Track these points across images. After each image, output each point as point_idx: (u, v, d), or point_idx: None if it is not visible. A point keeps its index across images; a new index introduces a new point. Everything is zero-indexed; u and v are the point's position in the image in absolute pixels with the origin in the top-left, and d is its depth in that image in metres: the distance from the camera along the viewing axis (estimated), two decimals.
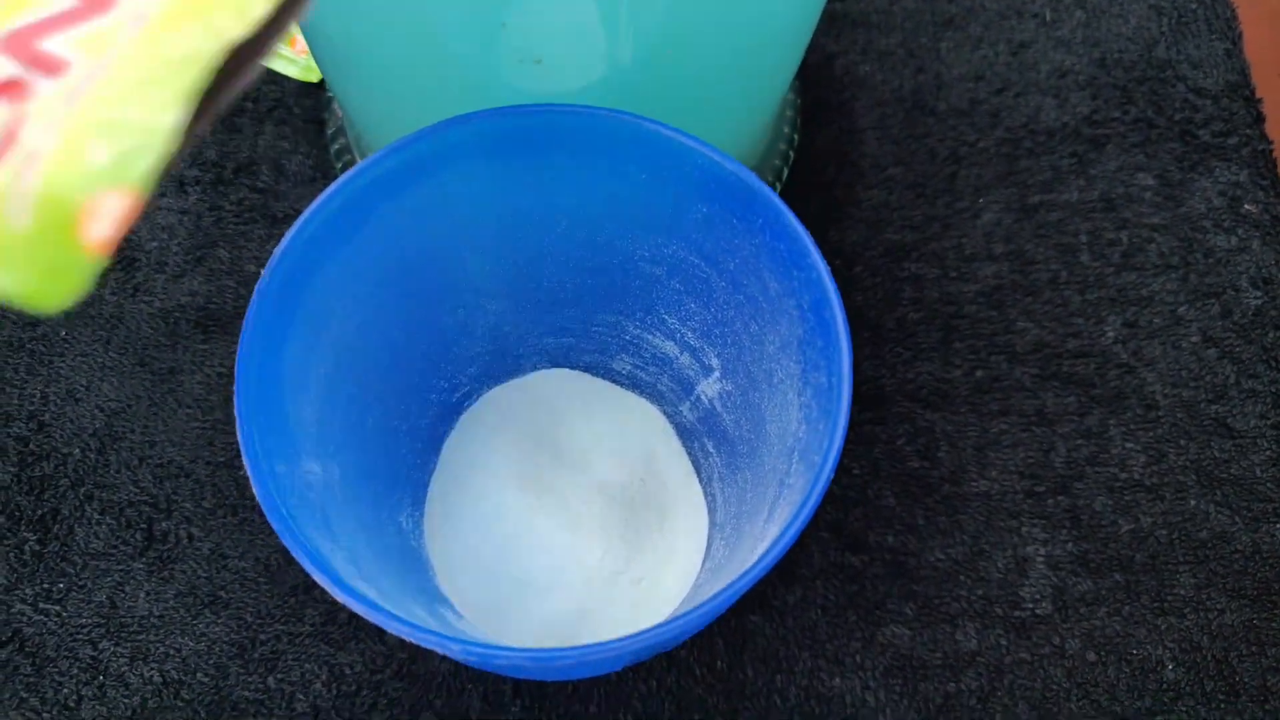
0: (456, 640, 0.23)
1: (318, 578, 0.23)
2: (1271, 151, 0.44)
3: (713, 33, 0.29)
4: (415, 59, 0.29)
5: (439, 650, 0.23)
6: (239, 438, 0.25)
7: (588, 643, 0.34)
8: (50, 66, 0.17)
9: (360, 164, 0.27)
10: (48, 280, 0.16)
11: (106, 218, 0.15)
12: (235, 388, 0.25)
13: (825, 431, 0.25)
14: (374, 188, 0.27)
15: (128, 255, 0.42)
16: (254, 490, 0.24)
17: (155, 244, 0.42)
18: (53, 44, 0.17)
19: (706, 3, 0.27)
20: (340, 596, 0.23)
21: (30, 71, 0.17)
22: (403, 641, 0.37)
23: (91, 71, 0.17)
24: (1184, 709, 0.35)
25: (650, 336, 0.35)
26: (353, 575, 0.26)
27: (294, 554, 0.24)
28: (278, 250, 0.26)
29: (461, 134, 0.27)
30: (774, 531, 0.25)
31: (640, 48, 0.28)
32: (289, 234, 0.26)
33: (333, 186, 0.27)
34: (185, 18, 0.17)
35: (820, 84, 0.46)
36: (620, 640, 0.23)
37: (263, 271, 0.26)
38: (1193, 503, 0.38)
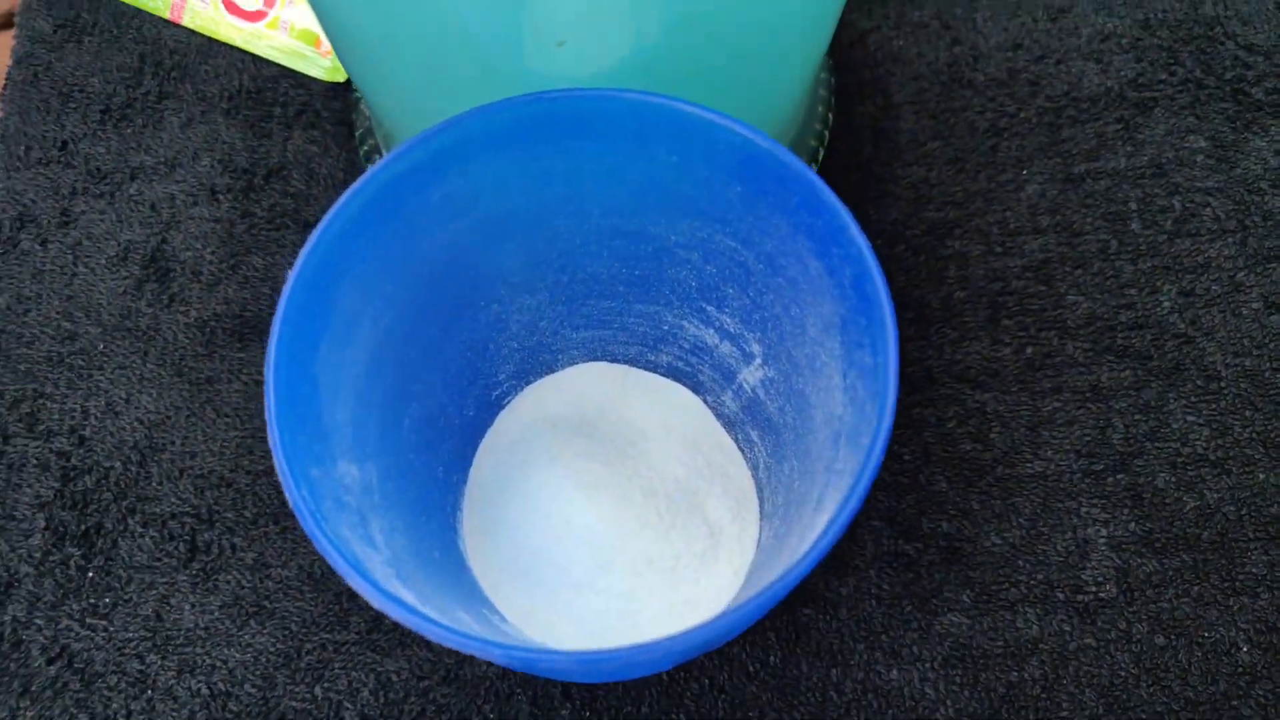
0: (499, 645, 0.22)
1: (353, 582, 0.23)
2: None
3: (736, 6, 0.28)
4: (436, 47, 0.28)
5: (481, 655, 0.23)
6: (270, 442, 0.24)
7: (636, 640, 0.33)
8: None
9: (382, 159, 0.26)
10: None
11: None
12: (265, 392, 0.24)
13: (872, 413, 0.24)
14: (398, 183, 0.27)
15: (162, 266, 0.42)
16: (286, 496, 0.24)
17: (189, 253, 0.42)
18: None
19: None
20: (377, 602, 0.23)
21: None
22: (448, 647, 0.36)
23: None
24: (1261, 692, 0.34)
25: (688, 325, 0.34)
26: (391, 579, 0.25)
27: (328, 559, 0.23)
28: (304, 250, 0.25)
29: (484, 124, 0.27)
30: (822, 521, 0.24)
31: (665, 25, 0.27)
32: (314, 233, 0.25)
33: (357, 183, 0.26)
34: None
35: (854, 61, 0.45)
36: (667, 639, 0.22)
37: (289, 273, 0.25)
38: (1261, 476, 0.37)
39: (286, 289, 0.25)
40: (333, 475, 0.26)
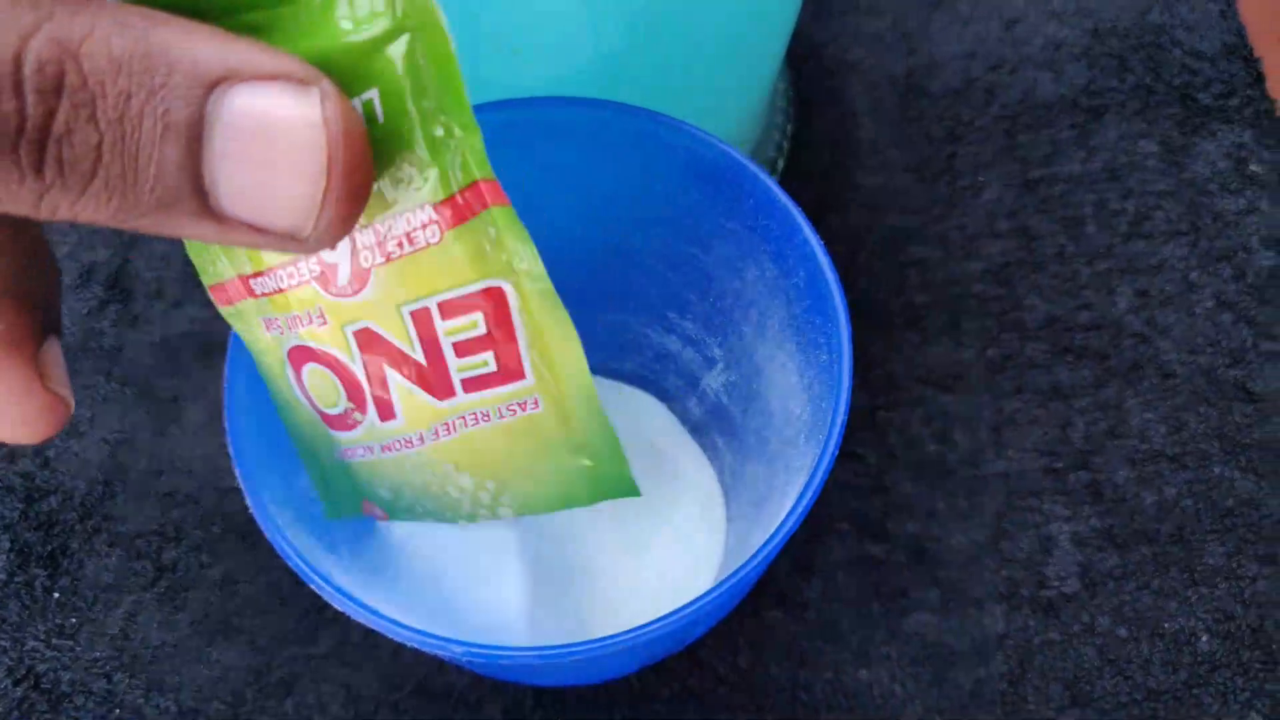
0: (459, 643, 0.22)
1: (318, 588, 0.23)
2: (1274, 110, 0.43)
3: (695, 11, 0.28)
4: None
5: (441, 654, 0.23)
6: (231, 456, 0.24)
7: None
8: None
9: None
10: None
11: None
12: (225, 407, 0.24)
13: (828, 407, 0.24)
14: None
15: (125, 287, 0.42)
16: (251, 511, 0.24)
17: (152, 274, 0.42)
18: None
19: None
20: (342, 605, 0.23)
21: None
22: (419, 658, 0.36)
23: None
24: (1221, 680, 0.34)
25: (651, 333, 0.35)
26: (354, 586, 0.25)
27: (292, 566, 0.23)
28: None
29: None
30: (784, 510, 0.24)
31: (620, 31, 0.27)
32: None
33: None
34: None
35: (811, 72, 0.45)
36: (629, 632, 0.22)
37: None
38: (1217, 470, 0.37)
39: None
40: (295, 486, 0.26)
